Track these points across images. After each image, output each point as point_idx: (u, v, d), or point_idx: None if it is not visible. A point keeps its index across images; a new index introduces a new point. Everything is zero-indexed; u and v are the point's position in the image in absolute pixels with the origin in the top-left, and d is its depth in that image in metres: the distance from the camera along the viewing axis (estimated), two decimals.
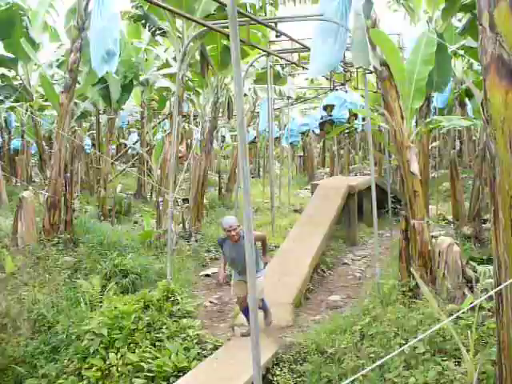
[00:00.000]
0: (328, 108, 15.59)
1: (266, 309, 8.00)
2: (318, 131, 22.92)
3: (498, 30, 3.49)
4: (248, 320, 7.38)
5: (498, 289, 3.64)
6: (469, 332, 5.83)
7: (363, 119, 16.04)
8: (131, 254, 10.28)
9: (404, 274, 8.20)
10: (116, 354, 7.20)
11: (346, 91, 16.78)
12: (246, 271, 6.88)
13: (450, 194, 13.66)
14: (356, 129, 19.55)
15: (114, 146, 22.42)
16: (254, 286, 3.88)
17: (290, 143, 22.92)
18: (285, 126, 23.05)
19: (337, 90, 15.81)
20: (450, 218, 14.20)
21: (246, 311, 7.60)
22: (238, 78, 3.76)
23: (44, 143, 18.34)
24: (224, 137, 25.50)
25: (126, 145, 23.09)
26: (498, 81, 3.52)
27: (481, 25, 3.58)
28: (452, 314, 6.59)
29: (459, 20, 12.04)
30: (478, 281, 7.61)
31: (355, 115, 15.68)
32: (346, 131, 19.55)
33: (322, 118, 17.42)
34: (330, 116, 15.58)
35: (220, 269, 8.13)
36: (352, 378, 4.30)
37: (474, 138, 15.95)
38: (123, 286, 9.30)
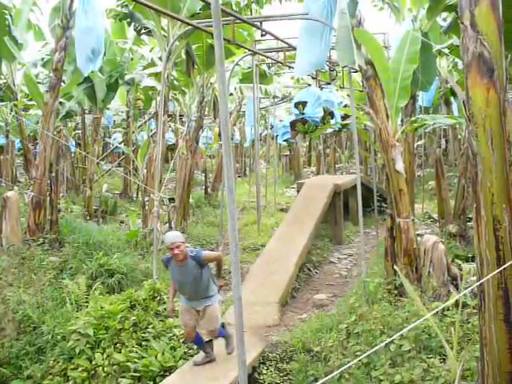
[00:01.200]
0: (300, 105, 13.72)
1: (227, 335, 7.13)
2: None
3: (479, 29, 3.52)
4: (203, 350, 6.94)
5: (478, 283, 3.68)
6: (452, 329, 5.86)
7: (343, 118, 15.16)
8: (117, 253, 10.24)
9: (390, 272, 8.23)
10: (102, 354, 7.18)
11: (331, 91, 15.53)
12: (195, 296, 6.70)
13: (436, 193, 13.72)
14: (340, 129, 18.03)
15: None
16: (237, 284, 3.87)
17: (285, 140, 21.72)
18: (271, 126, 23.03)
19: (309, 85, 14.71)
20: (435, 216, 14.27)
21: (197, 341, 6.96)
22: (221, 77, 3.76)
23: (29, 143, 18.24)
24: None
25: (112, 144, 23.01)
26: (480, 79, 3.55)
27: (462, 23, 3.60)
28: (437, 312, 6.64)
29: (444, 19, 12.09)
30: (462, 278, 7.65)
31: (331, 114, 14.15)
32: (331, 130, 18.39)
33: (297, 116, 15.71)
34: (302, 114, 13.83)
35: (170, 297, 7.13)
36: (335, 373, 4.28)
37: (459, 136, 16.04)
38: (109, 286, 9.27)
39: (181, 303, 6.96)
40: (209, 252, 7.23)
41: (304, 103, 13.52)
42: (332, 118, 14.10)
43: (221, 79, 3.74)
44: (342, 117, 15.13)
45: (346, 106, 15.63)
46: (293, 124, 13.78)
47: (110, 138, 25.52)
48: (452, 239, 11.44)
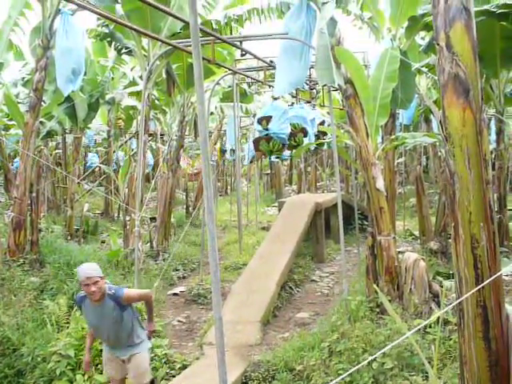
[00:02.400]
0: (263, 121, 11.81)
1: None
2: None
3: (455, 50, 3.57)
4: None
5: (457, 301, 3.70)
6: (432, 346, 5.88)
7: (319, 136, 14.16)
8: None
9: (371, 290, 8.25)
10: (83, 375, 7.09)
11: (302, 106, 14.22)
12: (117, 344, 5.66)
13: (417, 210, 13.80)
14: (316, 148, 16.64)
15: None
16: (218, 304, 3.87)
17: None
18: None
19: (276, 99, 12.83)
20: (416, 233, 14.34)
21: None
22: (201, 97, 3.77)
23: (8, 162, 18.14)
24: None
25: (86, 164, 22.94)
26: (456, 99, 3.60)
27: (438, 44, 3.66)
28: (419, 330, 6.66)
29: (422, 38, 12.24)
30: (444, 295, 7.68)
31: (302, 130, 12.51)
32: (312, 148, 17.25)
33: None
34: (266, 130, 11.82)
35: (86, 346, 6.05)
36: None
37: (439, 153, 16.18)
38: None
39: (103, 352, 5.97)
40: (132, 290, 6.09)
41: (268, 118, 11.80)
42: (305, 136, 12.55)
43: (200, 100, 3.76)
44: (316, 134, 14.06)
45: (322, 122, 14.57)
46: (256, 142, 12.04)
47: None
48: (433, 256, 11.50)
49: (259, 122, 11.89)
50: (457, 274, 3.79)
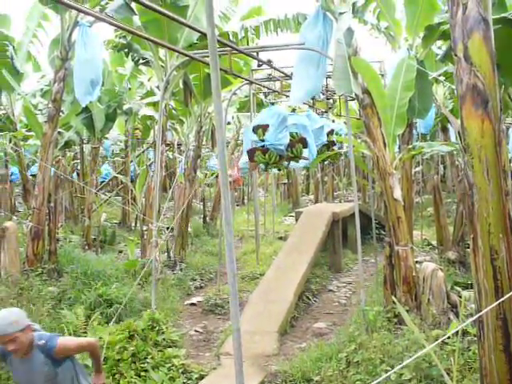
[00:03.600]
0: (259, 130, 10.26)
1: None
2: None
3: (473, 61, 3.56)
4: None
5: (478, 315, 3.66)
6: (451, 358, 5.83)
7: (329, 146, 12.62)
8: (116, 283, 10.22)
9: (389, 300, 8.21)
10: None
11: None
12: None
13: (434, 219, 13.72)
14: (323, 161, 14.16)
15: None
16: (236, 315, 3.86)
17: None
18: None
19: (273, 103, 11.44)
20: (434, 243, 14.25)
21: None
22: (218, 108, 3.79)
23: (27, 173, 18.29)
24: None
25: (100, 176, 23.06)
26: (474, 110, 3.58)
27: (456, 55, 3.65)
28: (437, 340, 6.60)
29: (439, 47, 12.20)
30: (462, 306, 7.63)
31: (302, 140, 10.78)
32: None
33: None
34: (262, 141, 10.22)
35: None
36: None
37: (456, 162, 16.09)
38: (108, 316, 9.22)
39: None
40: (69, 340, 4.79)
41: (265, 127, 10.32)
42: (305, 147, 10.86)
43: (218, 110, 3.77)
44: (325, 144, 12.52)
45: (332, 131, 13.10)
46: (251, 153, 10.56)
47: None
48: (451, 266, 11.43)
49: (254, 130, 10.43)
50: (476, 286, 3.77)
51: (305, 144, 10.74)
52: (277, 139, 10.11)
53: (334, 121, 14.45)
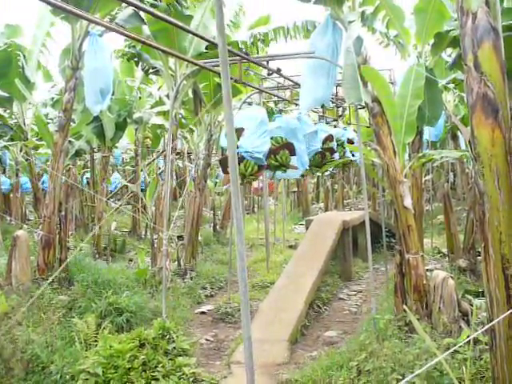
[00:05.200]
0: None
1: None
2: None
3: (483, 70, 3.57)
4: None
5: (490, 324, 3.65)
6: (463, 367, 5.81)
7: (324, 154, 11.36)
8: (126, 292, 10.24)
9: (399, 308, 8.19)
10: None
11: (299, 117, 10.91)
12: None
13: (445, 227, 13.68)
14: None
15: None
16: (247, 324, 3.87)
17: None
18: None
19: (249, 104, 10.30)
20: (444, 250, 14.20)
21: None
22: (229, 117, 3.81)
23: (38, 181, 18.36)
24: None
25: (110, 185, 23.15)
26: (485, 119, 3.59)
27: (466, 65, 3.66)
28: (449, 349, 6.58)
29: (449, 55, 12.19)
30: (474, 314, 7.59)
31: (288, 146, 9.39)
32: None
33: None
34: (236, 147, 6.47)
35: None
36: None
37: (466, 170, 16.07)
38: (118, 325, 9.25)
39: None
40: None
41: (240, 131, 8.71)
42: (292, 154, 9.42)
43: (228, 120, 3.79)
44: (320, 152, 11.16)
45: (329, 137, 11.75)
46: (223, 162, 8.88)
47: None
48: (462, 274, 11.38)
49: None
50: (488, 295, 3.76)
51: (292, 150, 9.36)
52: (254, 146, 8.63)
53: (345, 128, 14.26)
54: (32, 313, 9.31)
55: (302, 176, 14.71)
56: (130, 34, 7.69)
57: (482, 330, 4.42)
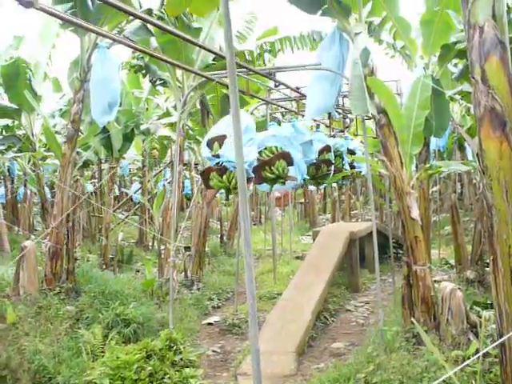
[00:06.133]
0: (215, 143, 7.95)
1: None
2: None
3: (490, 83, 3.58)
4: None
5: (501, 340, 3.64)
6: (473, 381, 5.78)
7: (320, 166, 10.58)
8: (133, 303, 10.23)
9: (407, 320, 8.16)
10: None
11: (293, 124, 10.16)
12: None
13: (452, 238, 13.65)
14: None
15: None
16: (255, 336, 3.87)
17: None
18: None
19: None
20: (452, 262, 14.16)
21: None
22: (237, 130, 3.82)
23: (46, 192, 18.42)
24: None
25: (127, 193, 23.22)
26: (492, 132, 3.60)
27: (473, 78, 3.67)
28: (457, 361, 6.55)
29: (455, 65, 12.21)
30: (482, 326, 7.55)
31: (284, 156, 8.57)
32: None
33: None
34: (217, 158, 7.84)
35: None
36: None
37: (474, 181, 16.06)
38: (125, 336, 9.24)
39: None
40: None
41: (221, 138, 7.90)
42: (290, 164, 8.62)
43: (237, 132, 3.81)
44: (315, 163, 10.52)
45: (327, 148, 10.98)
46: (204, 175, 8.20)
47: (125, 187, 25.75)
48: (470, 285, 11.34)
49: (209, 144, 8.05)
50: (497, 308, 3.75)
51: (289, 160, 8.55)
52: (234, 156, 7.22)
53: (352, 139, 14.20)
54: (39, 323, 9.32)
55: (297, 189, 14.08)
56: (138, 46, 7.75)
57: (493, 345, 4.40)
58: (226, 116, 8.39)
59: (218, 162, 7.72)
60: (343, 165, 12.25)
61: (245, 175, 3.73)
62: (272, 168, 8.27)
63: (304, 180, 9.98)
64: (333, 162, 11.07)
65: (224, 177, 7.75)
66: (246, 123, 7.73)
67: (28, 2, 4.84)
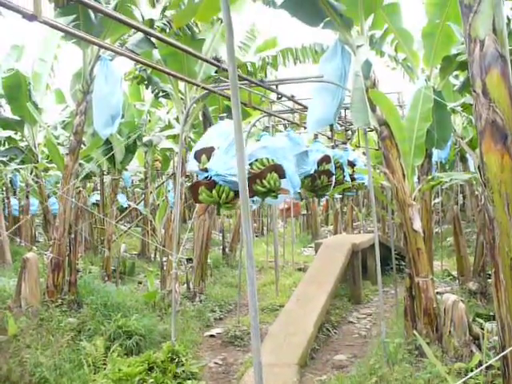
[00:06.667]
0: (203, 156, 7.84)
1: None
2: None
3: (491, 97, 3.60)
4: None
5: (503, 354, 3.63)
6: None
7: (319, 177, 10.38)
8: (135, 315, 10.23)
9: (410, 332, 8.16)
10: None
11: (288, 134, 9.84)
12: None
13: (454, 249, 13.63)
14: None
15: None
16: (257, 349, 3.86)
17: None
18: None
19: (221, 118, 8.71)
20: (454, 273, 14.14)
21: None
22: (239, 143, 3.83)
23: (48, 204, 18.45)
24: None
25: (129, 205, 23.21)
26: (494, 145, 3.61)
27: (474, 91, 3.69)
28: (460, 373, 6.54)
29: (455, 77, 12.23)
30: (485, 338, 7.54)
31: (276, 169, 8.13)
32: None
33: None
34: (205, 172, 7.60)
35: None
36: None
37: (476, 192, 16.05)
38: (127, 348, 9.22)
39: None
40: None
41: (209, 150, 7.68)
42: (282, 177, 8.19)
43: (239, 145, 3.82)
44: (309, 175, 10.09)
45: (326, 158, 10.63)
46: (193, 190, 7.86)
47: (128, 199, 25.76)
48: (472, 297, 11.33)
49: (197, 157, 7.79)
50: (499, 320, 3.75)
51: (281, 172, 8.11)
52: (227, 167, 7.37)
53: (353, 150, 14.21)
54: (41, 335, 9.31)
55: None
56: (141, 58, 7.78)
57: (495, 359, 4.39)
58: (212, 126, 8.36)
59: (207, 176, 7.49)
60: (344, 176, 12.08)
61: (246, 187, 3.74)
62: (263, 181, 7.90)
63: (299, 193, 9.87)
64: (333, 172, 10.87)
65: (213, 191, 7.49)
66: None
67: (32, 16, 4.87)
